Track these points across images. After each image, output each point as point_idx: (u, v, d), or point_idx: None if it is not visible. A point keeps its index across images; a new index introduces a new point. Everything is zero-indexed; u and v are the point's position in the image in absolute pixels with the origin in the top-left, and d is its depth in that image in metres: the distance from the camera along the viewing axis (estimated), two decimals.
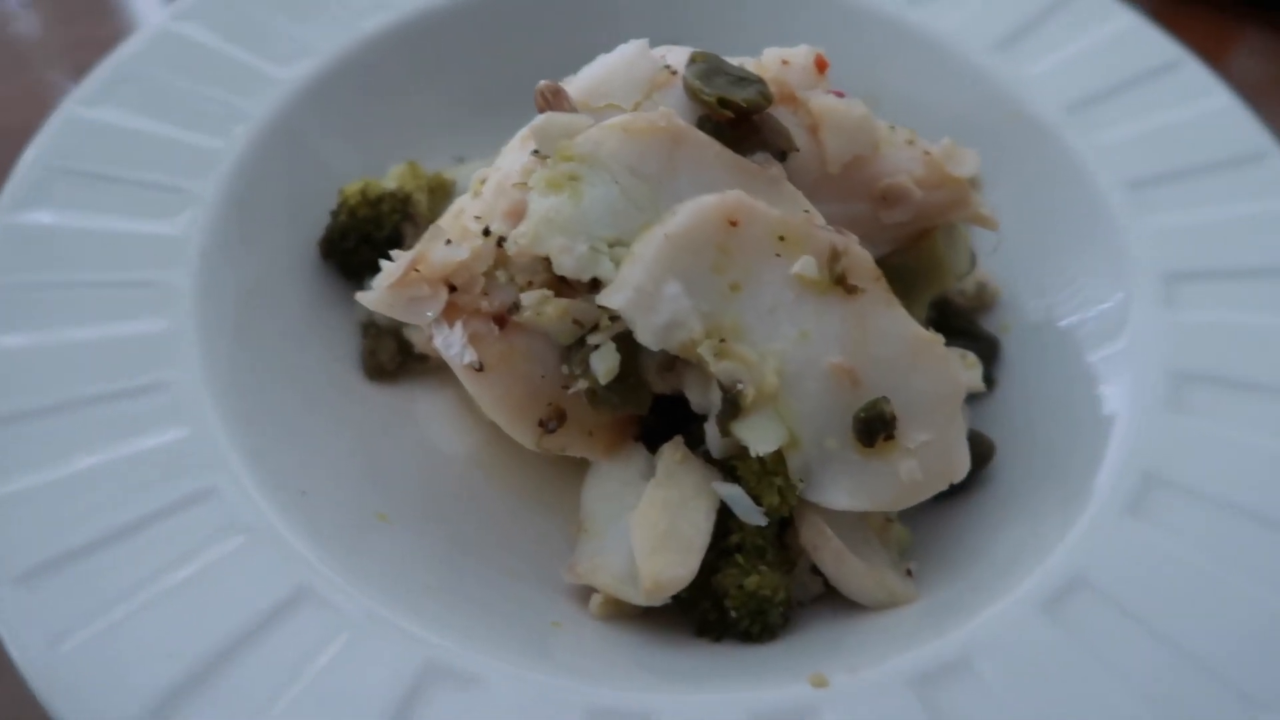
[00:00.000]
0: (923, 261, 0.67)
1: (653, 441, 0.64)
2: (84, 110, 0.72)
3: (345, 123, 0.80)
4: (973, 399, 0.71)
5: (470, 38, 0.86)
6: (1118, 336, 0.69)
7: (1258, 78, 1.15)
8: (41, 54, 1.09)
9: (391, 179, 0.76)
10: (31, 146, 0.70)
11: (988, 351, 0.73)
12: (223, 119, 0.74)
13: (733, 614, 0.58)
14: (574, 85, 0.64)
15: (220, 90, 0.76)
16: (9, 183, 0.68)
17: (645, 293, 0.55)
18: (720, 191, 0.57)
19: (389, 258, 0.61)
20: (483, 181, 0.64)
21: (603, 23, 0.85)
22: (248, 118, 0.75)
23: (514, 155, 0.64)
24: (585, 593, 0.62)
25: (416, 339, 0.72)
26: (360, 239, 0.74)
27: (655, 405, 0.64)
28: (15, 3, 1.11)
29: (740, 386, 0.56)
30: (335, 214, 0.74)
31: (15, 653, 0.50)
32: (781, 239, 0.57)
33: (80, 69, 0.77)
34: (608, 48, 0.66)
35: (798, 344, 0.56)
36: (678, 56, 0.65)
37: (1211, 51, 1.13)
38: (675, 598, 0.58)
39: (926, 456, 0.57)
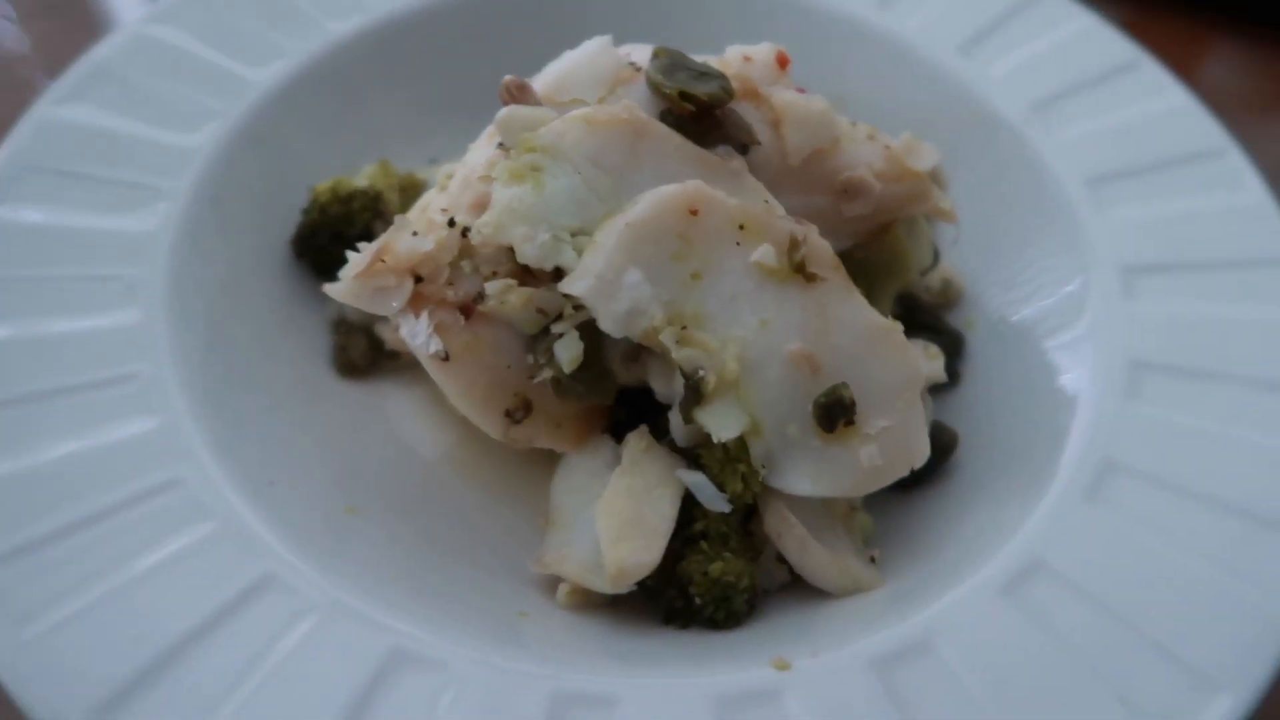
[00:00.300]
0: (885, 255, 0.68)
1: (620, 434, 0.64)
2: (57, 109, 0.73)
3: (318, 124, 0.81)
4: (937, 392, 0.72)
5: (442, 41, 0.87)
6: (1078, 328, 0.70)
7: (1229, 85, 1.17)
8: (22, 62, 1.09)
9: (363, 178, 0.77)
10: (3, 145, 0.70)
11: (952, 346, 0.74)
12: (196, 118, 0.75)
13: (698, 600, 0.58)
14: (539, 81, 0.65)
15: (193, 91, 0.77)
16: None
17: (606, 280, 0.56)
18: (681, 182, 0.58)
19: (357, 251, 0.62)
20: (450, 177, 0.65)
21: (572, 26, 0.85)
22: (221, 117, 0.75)
23: (480, 150, 0.65)
24: (553, 584, 0.62)
25: (388, 336, 0.73)
26: (331, 236, 0.74)
27: (622, 399, 0.65)
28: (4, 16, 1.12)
29: (702, 373, 0.57)
30: (307, 211, 0.75)
31: None
32: (742, 228, 0.58)
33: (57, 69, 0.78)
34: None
35: (758, 331, 0.57)
36: (642, 54, 0.66)
37: (1183, 60, 1.16)
38: (641, 585, 0.59)
39: (887, 442, 0.58)
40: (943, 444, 0.67)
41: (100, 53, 0.77)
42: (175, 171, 0.72)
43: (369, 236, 0.75)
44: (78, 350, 0.61)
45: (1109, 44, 0.84)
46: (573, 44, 0.70)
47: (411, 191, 0.78)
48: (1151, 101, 0.79)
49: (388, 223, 0.75)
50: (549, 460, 0.67)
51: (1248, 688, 0.51)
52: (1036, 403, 0.68)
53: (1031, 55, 0.83)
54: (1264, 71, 1.17)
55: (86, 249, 0.66)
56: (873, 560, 0.62)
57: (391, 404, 0.73)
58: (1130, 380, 0.64)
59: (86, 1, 1.17)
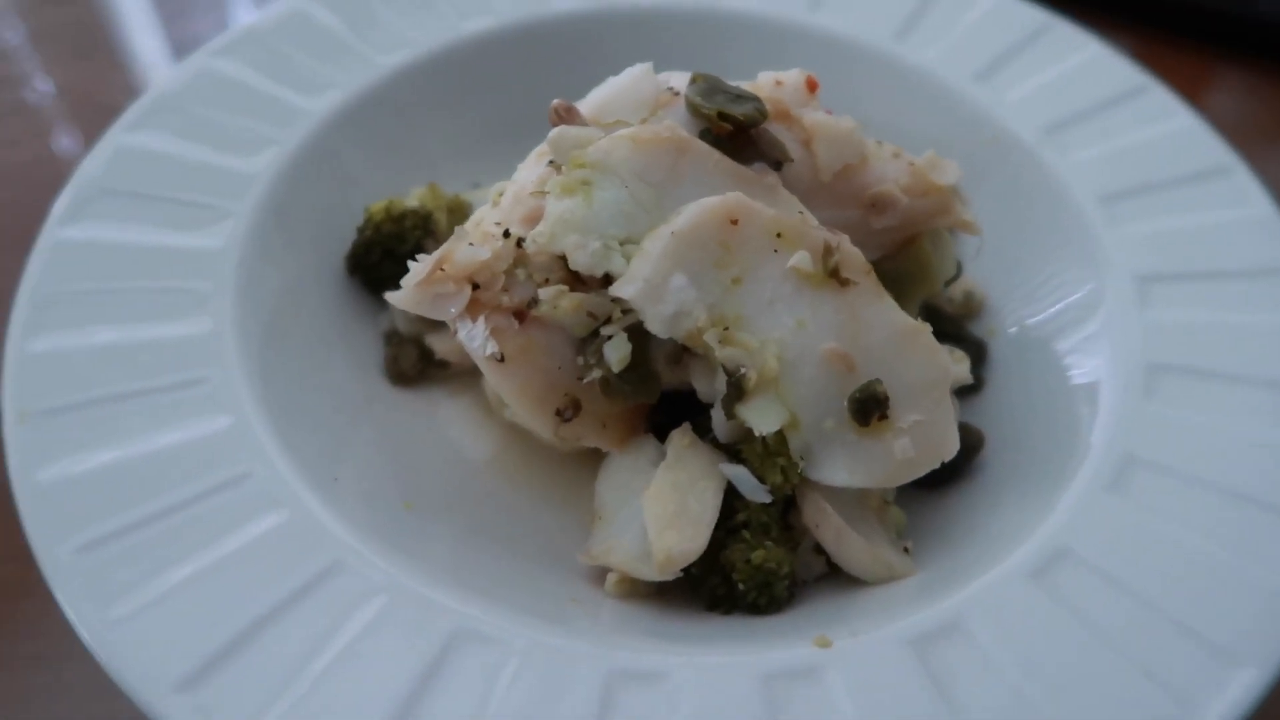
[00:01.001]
0: (911, 265, 0.72)
1: (663, 435, 0.68)
2: (126, 137, 0.78)
3: (370, 149, 0.86)
4: (963, 396, 0.75)
5: (484, 72, 0.92)
6: (1096, 334, 0.73)
7: (1232, 114, 1.21)
8: (50, 104, 1.14)
9: (413, 199, 0.81)
10: (78, 169, 0.75)
11: (976, 353, 0.78)
12: (257, 145, 0.80)
13: (740, 587, 0.61)
14: (585, 105, 0.70)
15: (253, 119, 0.81)
16: (58, 199, 0.73)
17: (654, 284, 0.60)
18: (721, 194, 0.62)
19: (409, 270, 0.66)
20: (500, 194, 0.69)
21: (607, 58, 0.90)
22: (280, 143, 0.80)
23: (530, 169, 0.69)
24: (600, 575, 0.65)
25: (437, 346, 0.77)
26: (384, 253, 0.78)
27: (664, 403, 0.69)
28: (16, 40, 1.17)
29: (743, 371, 0.60)
30: (361, 230, 0.79)
31: (72, 615, 0.53)
32: (779, 236, 0.62)
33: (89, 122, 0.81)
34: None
35: (795, 332, 0.61)
36: (679, 80, 0.71)
37: (1186, 90, 1.20)
38: (686, 573, 0.62)
39: (918, 435, 0.61)
40: (969, 444, 0.70)
41: (164, 85, 0.82)
42: (239, 193, 0.76)
43: (419, 254, 0.79)
44: (156, 356, 0.65)
45: (1119, 70, 0.88)
46: (606, 74, 0.74)
47: (458, 212, 0.83)
48: (1161, 123, 0.84)
49: (437, 241, 0.80)
50: (589, 461, 0.70)
51: (1269, 660, 0.54)
52: (1058, 404, 0.71)
53: (1045, 82, 0.88)
54: (1266, 100, 1.21)
55: (161, 264, 0.70)
56: (906, 550, 0.65)
57: (441, 410, 0.77)
58: (1147, 381, 0.68)
59: (112, 45, 1.23)
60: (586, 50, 0.94)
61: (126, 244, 0.71)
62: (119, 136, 0.78)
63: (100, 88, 1.16)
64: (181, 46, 1.24)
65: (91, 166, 0.76)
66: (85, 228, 0.72)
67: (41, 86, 1.15)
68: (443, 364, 0.77)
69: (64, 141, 1.10)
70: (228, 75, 0.84)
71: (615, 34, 0.95)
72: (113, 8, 1.27)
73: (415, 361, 0.77)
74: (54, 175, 1.01)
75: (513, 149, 0.78)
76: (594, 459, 0.70)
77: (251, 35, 0.88)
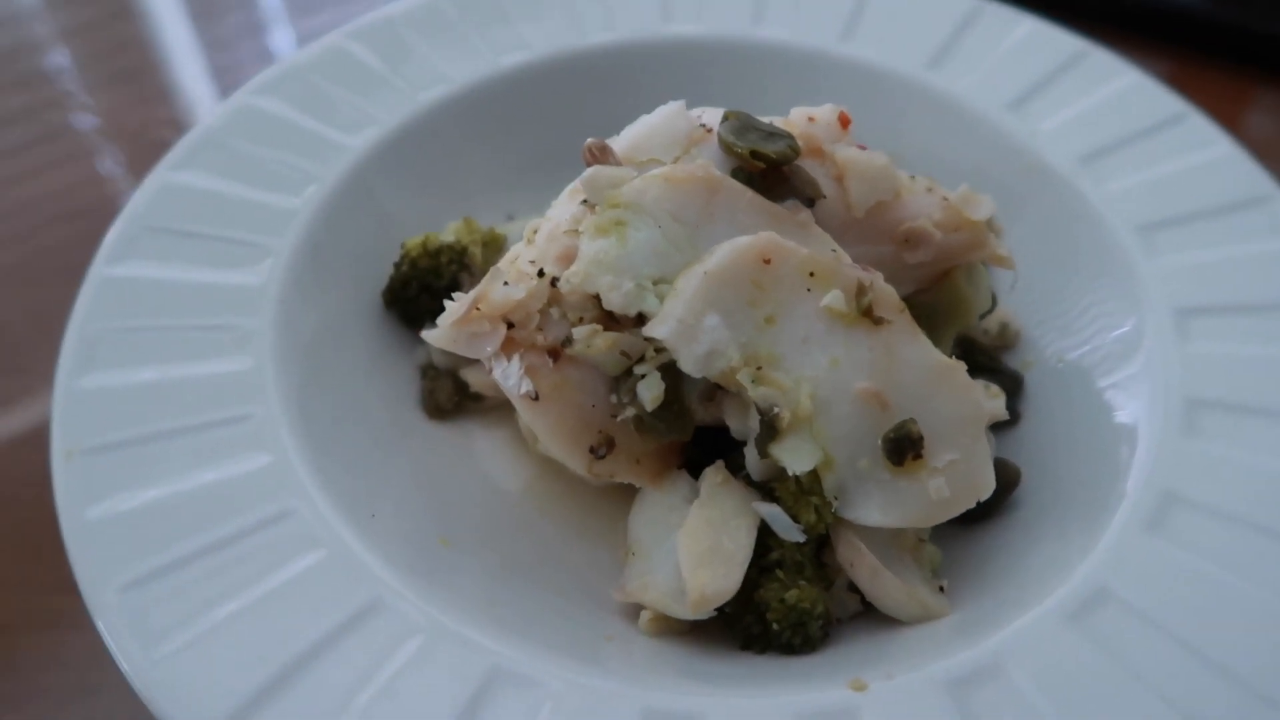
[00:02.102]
0: (946, 299, 0.72)
1: (696, 471, 0.68)
2: (172, 175, 0.80)
3: (407, 184, 0.87)
4: (999, 430, 0.75)
5: (518, 107, 0.93)
6: (1133, 368, 0.72)
7: (1270, 136, 1.20)
8: (102, 140, 1.17)
9: (449, 233, 0.83)
10: (125, 207, 0.77)
11: (1011, 386, 0.77)
12: (296, 181, 0.81)
13: (774, 626, 0.61)
14: (618, 143, 0.70)
15: (294, 156, 0.83)
16: (105, 239, 0.75)
17: (687, 324, 0.60)
18: (754, 233, 0.62)
19: (445, 307, 0.67)
20: (535, 231, 0.70)
21: (642, 90, 0.91)
22: (319, 180, 0.82)
23: (563, 206, 0.69)
24: (634, 611, 0.66)
25: (472, 379, 0.77)
26: (421, 288, 0.79)
27: (697, 438, 0.69)
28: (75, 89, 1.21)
29: (776, 410, 0.60)
30: (398, 265, 0.80)
31: (117, 653, 0.54)
32: (812, 275, 0.62)
33: (139, 153, 0.84)
34: (646, 113, 0.73)
35: (829, 371, 0.61)
36: (712, 116, 0.71)
37: (1226, 112, 1.19)
38: (720, 612, 0.62)
39: (953, 475, 0.61)
40: (1005, 480, 0.69)
41: (209, 122, 0.84)
42: (279, 230, 0.78)
43: (455, 288, 0.80)
44: (199, 393, 0.67)
45: (1155, 98, 0.87)
46: (639, 108, 0.75)
47: (493, 246, 0.84)
48: (1199, 152, 0.83)
49: (472, 275, 0.81)
50: (623, 497, 0.70)
51: None
52: (1095, 439, 0.71)
53: (1080, 110, 0.87)
54: None
55: (204, 301, 0.72)
56: (941, 590, 0.65)
57: (477, 443, 0.77)
58: (1187, 417, 0.67)
59: (153, 71, 1.26)
60: (621, 82, 0.95)
61: (170, 281, 0.73)
62: (164, 174, 0.80)
63: (140, 112, 1.19)
64: (220, 71, 1.27)
65: (138, 204, 0.77)
66: (131, 265, 0.73)
67: (82, 111, 1.18)
68: (478, 397, 0.78)
69: (106, 164, 1.13)
70: (269, 112, 0.86)
71: (649, 66, 0.96)
72: (153, 33, 1.30)
73: (451, 395, 0.78)
74: (96, 199, 1.04)
75: (547, 182, 0.79)
76: (628, 493, 0.70)
77: (292, 72, 0.89)
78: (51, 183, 1.10)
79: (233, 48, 1.31)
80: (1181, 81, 1.22)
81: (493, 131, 0.93)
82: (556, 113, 0.94)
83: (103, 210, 0.75)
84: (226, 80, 1.25)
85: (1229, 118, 1.19)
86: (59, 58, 1.26)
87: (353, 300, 0.80)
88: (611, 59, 0.96)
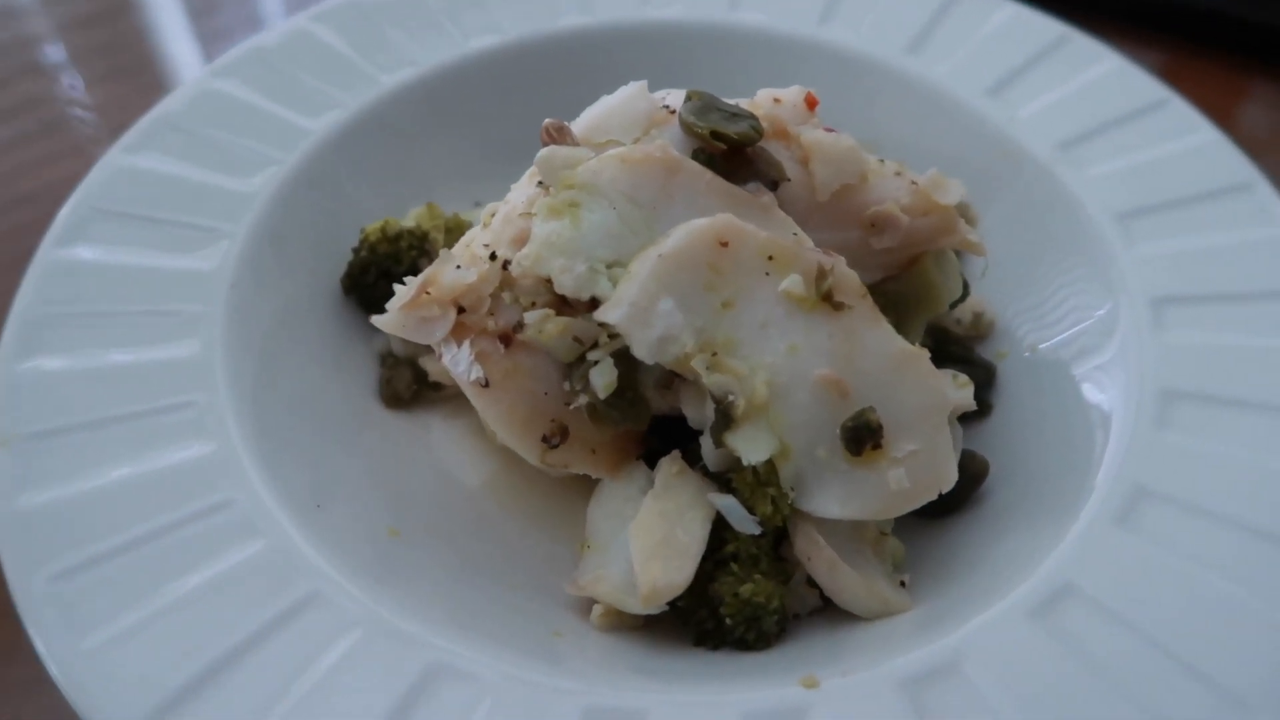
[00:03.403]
0: (915, 286, 0.70)
1: (655, 462, 0.66)
2: (124, 158, 0.78)
3: (370, 169, 0.85)
4: (970, 421, 0.73)
5: (487, 90, 0.91)
6: (1108, 358, 0.70)
7: (1266, 127, 1.18)
8: (99, 134, 1.16)
9: (410, 219, 0.81)
10: (76, 191, 0.75)
11: (984, 377, 0.75)
12: (254, 165, 0.79)
13: (728, 621, 0.59)
14: (578, 124, 0.68)
15: (252, 139, 0.81)
16: (53, 222, 0.73)
17: (640, 308, 0.58)
18: (712, 216, 0.60)
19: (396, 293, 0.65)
20: (492, 215, 0.68)
21: (615, 75, 0.89)
22: (278, 163, 0.80)
23: (522, 190, 0.68)
24: (588, 606, 0.64)
25: (432, 368, 0.75)
26: (380, 274, 0.77)
27: (657, 427, 0.67)
28: (73, 82, 1.19)
29: (732, 398, 0.58)
30: (356, 250, 0.78)
31: (42, 647, 0.53)
32: (770, 259, 0.60)
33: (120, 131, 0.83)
34: None
35: (787, 358, 0.59)
36: (676, 98, 0.69)
37: (1220, 103, 1.17)
38: (673, 606, 0.60)
39: (914, 466, 0.59)
40: (973, 472, 0.67)
41: (166, 105, 0.82)
42: (235, 214, 0.76)
43: (415, 274, 0.78)
44: (140, 380, 0.65)
45: (1138, 83, 0.85)
46: (611, 91, 0.73)
47: (457, 232, 0.82)
48: (1180, 138, 0.80)
49: (433, 261, 0.79)
50: (584, 489, 0.68)
51: None
52: (1067, 431, 0.69)
53: (1060, 96, 0.85)
54: None
55: (150, 286, 0.70)
56: (902, 584, 0.63)
57: (435, 434, 0.76)
58: (1160, 408, 0.65)
59: (153, 65, 1.25)
60: (595, 67, 0.93)
61: (119, 266, 0.71)
62: (117, 158, 0.78)
63: (138, 105, 1.17)
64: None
65: (89, 188, 0.75)
66: (79, 250, 0.71)
67: (80, 105, 1.17)
68: (438, 386, 0.76)
69: (91, 131, 1.11)
70: (230, 95, 0.84)
71: (623, 51, 0.94)
72: (151, 28, 1.29)
73: (410, 384, 0.76)
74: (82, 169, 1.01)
75: (516, 168, 0.77)
76: (590, 485, 0.68)
77: (255, 55, 0.87)
78: (48, 176, 1.08)
79: (230, 41, 1.29)
80: (1176, 73, 1.19)
81: (461, 116, 0.91)
82: (528, 97, 0.92)
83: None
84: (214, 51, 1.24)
85: (1225, 110, 1.17)
86: (56, 52, 1.25)
87: (310, 286, 0.78)
88: (585, 43, 0.94)
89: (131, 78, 1.21)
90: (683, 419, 0.65)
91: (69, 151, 1.11)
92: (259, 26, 1.32)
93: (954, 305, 0.72)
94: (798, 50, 0.93)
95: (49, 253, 0.71)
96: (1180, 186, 0.77)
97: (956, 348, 0.76)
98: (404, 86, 0.88)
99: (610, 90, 0.74)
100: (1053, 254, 0.79)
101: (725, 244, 0.60)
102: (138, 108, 1.01)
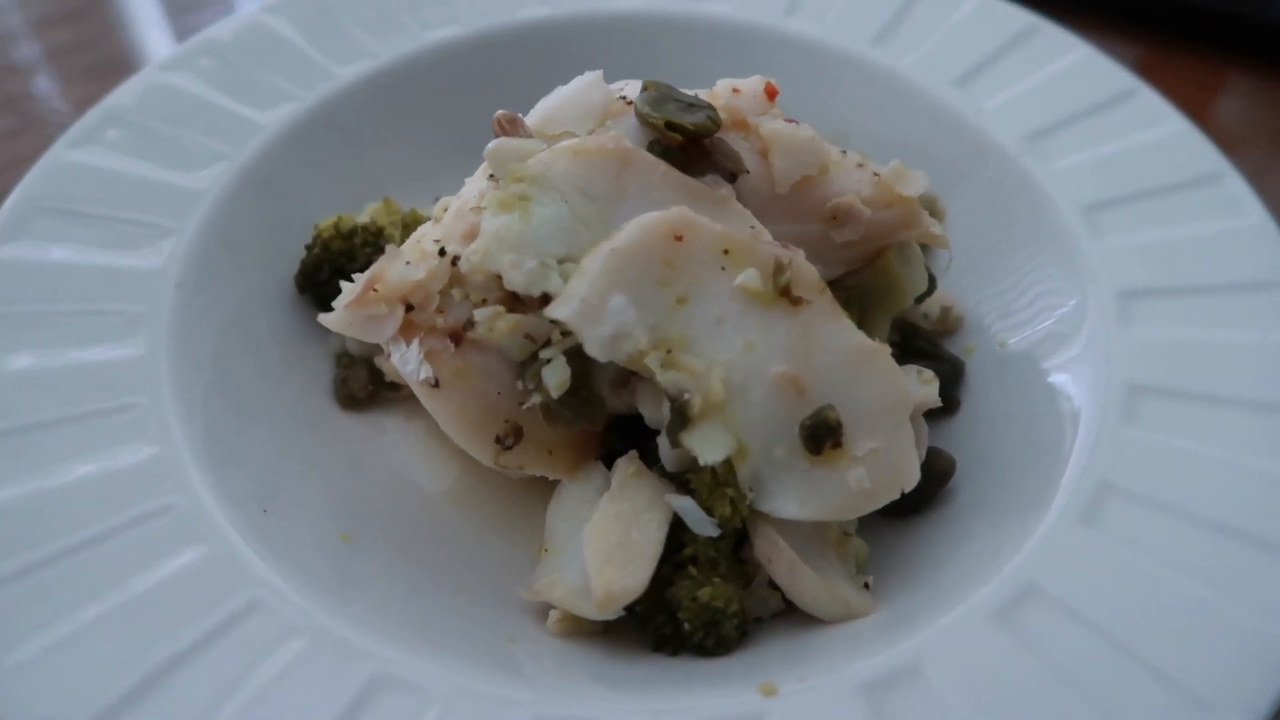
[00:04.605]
0: (879, 281, 0.68)
1: (614, 462, 0.64)
2: (69, 153, 0.75)
3: (324, 165, 0.83)
4: (937, 417, 0.71)
5: (447, 84, 0.89)
6: (1076, 353, 0.69)
7: (1242, 120, 1.17)
8: (59, 112, 1.13)
9: (366, 214, 0.79)
10: (17, 187, 0.73)
11: (951, 373, 0.74)
12: (205, 160, 0.77)
13: (686, 626, 0.58)
14: (532, 115, 0.67)
15: (203, 135, 0.79)
16: None
17: (591, 305, 0.56)
18: (667, 209, 0.59)
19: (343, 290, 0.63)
20: (445, 210, 0.66)
21: (572, 69, 0.87)
22: (228, 159, 0.77)
23: (475, 184, 0.66)
24: (545, 612, 0.62)
25: (387, 368, 0.73)
26: (334, 271, 0.75)
27: (617, 428, 0.65)
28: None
29: (687, 396, 0.57)
30: (309, 247, 0.76)
31: None
32: (726, 253, 0.58)
33: None
34: None
35: (743, 354, 0.57)
36: (634, 89, 0.67)
37: (1197, 96, 1.16)
38: (630, 611, 0.58)
39: (875, 464, 0.57)
40: (939, 470, 0.66)
41: (114, 99, 0.80)
42: (183, 211, 0.74)
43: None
44: (81, 381, 0.63)
45: (1105, 73, 0.84)
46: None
47: (414, 227, 0.79)
48: (1148, 128, 0.79)
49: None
50: (546, 491, 0.67)
51: (1249, 713, 0.49)
52: (1035, 428, 0.67)
53: (1028, 87, 0.84)
54: (1277, 107, 1.16)
55: (93, 285, 0.68)
56: (866, 586, 0.61)
57: (390, 436, 0.74)
58: (1127, 404, 0.64)
59: (132, 66, 1.22)
60: (555, 59, 0.91)
61: (60, 264, 0.69)
62: (61, 153, 0.76)
63: (103, 80, 1.14)
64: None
65: (30, 184, 0.73)
66: (19, 247, 0.69)
67: (56, 103, 1.14)
68: (394, 386, 0.74)
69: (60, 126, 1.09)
70: (180, 88, 0.82)
71: (585, 42, 0.93)
72: (126, 27, 1.27)
73: (365, 384, 0.74)
74: None
75: (475, 162, 0.75)
76: (551, 486, 0.66)
77: (207, 47, 0.85)
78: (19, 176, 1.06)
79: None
80: (1153, 66, 1.19)
81: (419, 109, 0.89)
82: (487, 90, 0.90)
83: None
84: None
85: (1201, 103, 1.16)
86: (31, 49, 1.22)
87: (261, 286, 0.76)
88: (546, 34, 0.93)
89: (108, 76, 1.19)
90: (641, 418, 0.63)
91: (20, 130, 1.08)
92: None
93: (920, 300, 0.71)
94: (763, 40, 0.92)
95: None
96: (1148, 177, 0.76)
97: (924, 343, 0.75)
98: (361, 79, 0.86)
99: (569, 80, 0.72)
100: (1020, 246, 0.77)
101: (679, 238, 0.58)
102: (97, 87, 0.99)
